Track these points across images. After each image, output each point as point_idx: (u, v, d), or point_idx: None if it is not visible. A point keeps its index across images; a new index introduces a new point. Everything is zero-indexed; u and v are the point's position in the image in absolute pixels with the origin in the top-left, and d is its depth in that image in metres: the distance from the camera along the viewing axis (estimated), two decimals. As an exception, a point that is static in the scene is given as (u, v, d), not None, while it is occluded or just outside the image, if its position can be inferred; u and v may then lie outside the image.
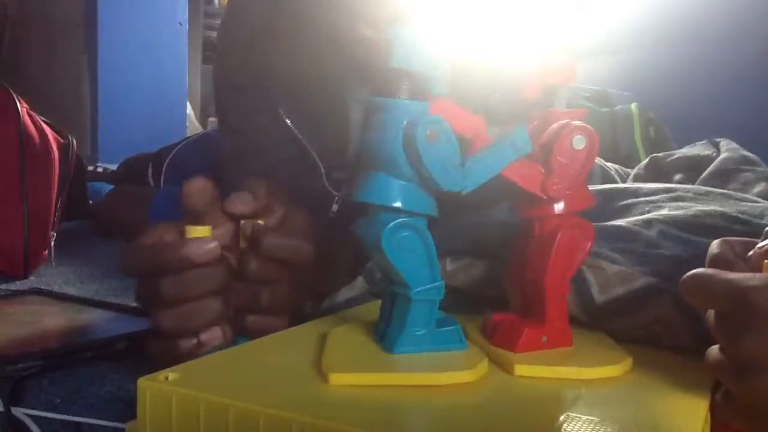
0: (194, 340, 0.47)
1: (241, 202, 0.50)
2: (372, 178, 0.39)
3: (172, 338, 0.47)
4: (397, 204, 0.38)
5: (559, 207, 0.42)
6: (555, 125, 0.42)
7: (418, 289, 0.39)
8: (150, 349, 0.49)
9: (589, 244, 0.43)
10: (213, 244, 0.47)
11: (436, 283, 0.40)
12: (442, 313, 0.42)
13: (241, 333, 0.49)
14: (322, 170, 0.69)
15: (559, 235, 0.42)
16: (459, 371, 0.37)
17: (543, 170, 0.42)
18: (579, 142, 0.41)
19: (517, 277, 0.44)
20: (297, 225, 0.52)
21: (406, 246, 0.39)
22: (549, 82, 0.43)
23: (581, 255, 0.43)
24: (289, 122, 0.70)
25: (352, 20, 0.54)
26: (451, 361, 0.38)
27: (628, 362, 0.40)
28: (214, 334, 0.47)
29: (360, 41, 0.56)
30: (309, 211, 0.54)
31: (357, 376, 0.36)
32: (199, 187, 0.49)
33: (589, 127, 0.42)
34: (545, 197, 0.42)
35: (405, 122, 0.38)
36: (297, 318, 0.51)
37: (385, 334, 0.41)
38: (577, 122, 0.42)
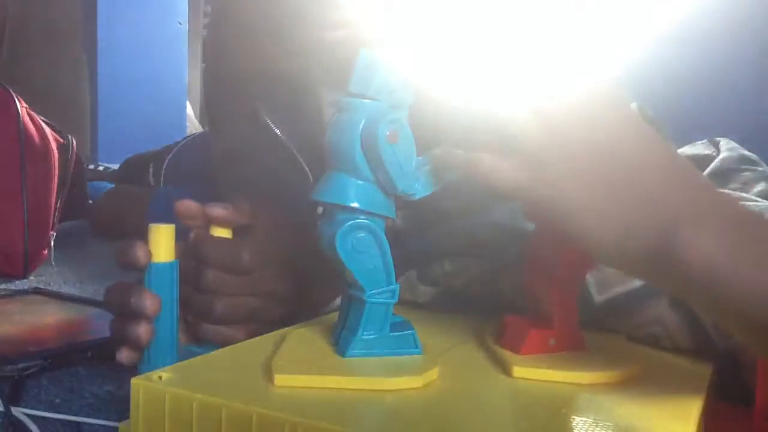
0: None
1: (221, 208, 0.50)
2: (330, 178, 0.39)
3: None
4: (354, 204, 0.38)
5: None
6: None
7: (373, 291, 0.39)
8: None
9: None
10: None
11: (391, 287, 0.39)
12: (401, 317, 0.41)
13: (197, 342, 0.50)
14: (310, 176, 0.69)
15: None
16: (405, 377, 0.36)
17: None
18: None
19: (529, 279, 0.44)
20: (272, 245, 0.52)
21: (361, 248, 0.38)
22: None
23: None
24: (274, 127, 0.70)
25: (309, 24, 0.54)
26: (400, 367, 0.38)
27: (635, 368, 0.40)
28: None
29: (320, 44, 0.56)
30: (292, 224, 0.54)
31: (303, 378, 0.35)
32: (189, 212, 0.49)
33: None
34: None
35: (364, 121, 0.37)
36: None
37: (339, 336, 0.40)
38: None
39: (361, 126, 0.37)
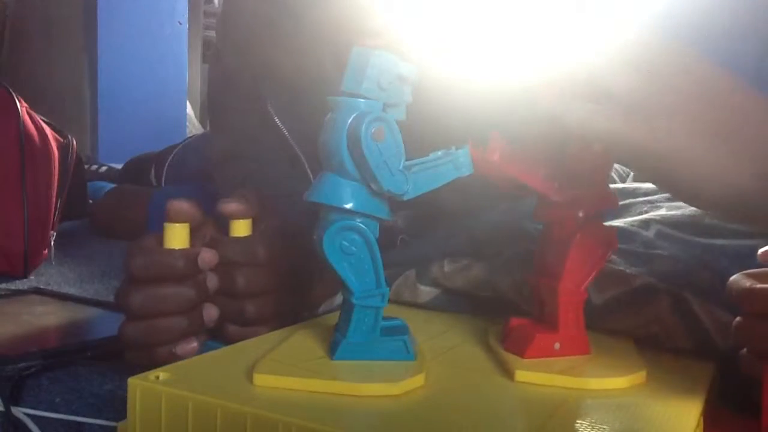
0: (168, 350, 0.47)
1: (236, 203, 0.51)
2: (323, 179, 0.38)
3: (142, 348, 0.48)
4: (346, 205, 0.37)
5: (576, 209, 0.41)
6: None
7: (361, 295, 0.38)
8: (127, 357, 0.49)
9: (610, 249, 0.41)
10: (181, 262, 0.47)
11: (381, 290, 0.38)
12: (399, 320, 0.41)
13: (220, 340, 0.50)
14: (311, 176, 0.69)
15: (575, 239, 0.40)
16: (382, 383, 0.35)
17: (560, 171, 0.40)
18: None
19: (535, 281, 0.44)
20: (275, 235, 0.52)
21: (349, 250, 0.38)
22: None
23: (601, 260, 0.42)
24: (279, 124, 0.70)
25: (346, 27, 0.54)
26: (383, 373, 0.37)
27: (641, 375, 0.39)
28: (189, 347, 0.48)
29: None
30: (292, 218, 0.54)
31: (280, 379, 0.35)
32: (179, 209, 0.49)
33: None
34: (560, 199, 0.41)
35: (351, 119, 0.37)
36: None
37: (333, 339, 0.40)
38: None
39: (347, 124, 0.37)
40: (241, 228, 0.51)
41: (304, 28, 0.66)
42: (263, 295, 0.51)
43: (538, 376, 0.38)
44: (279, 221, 0.54)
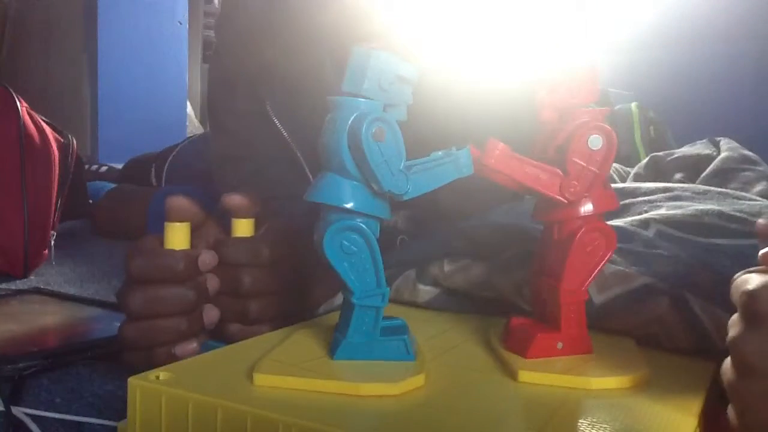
0: (168, 351, 0.47)
1: (239, 196, 0.51)
2: (323, 178, 0.38)
3: (142, 349, 0.48)
4: (346, 205, 0.37)
5: (577, 210, 0.41)
6: (571, 126, 0.41)
7: (361, 294, 0.38)
8: (126, 358, 0.49)
9: (611, 249, 0.41)
10: (182, 264, 0.47)
11: (381, 290, 0.39)
12: (400, 320, 0.41)
13: (221, 339, 0.50)
14: (310, 176, 0.69)
15: (576, 239, 0.40)
16: (383, 383, 0.35)
17: (560, 173, 0.40)
18: (595, 142, 0.40)
19: (536, 281, 0.44)
20: (278, 236, 0.52)
21: (350, 249, 0.38)
22: (569, 103, 0.41)
23: (601, 260, 0.42)
24: (279, 125, 0.70)
25: (345, 30, 0.54)
26: (384, 372, 0.37)
27: (643, 374, 0.39)
28: (188, 348, 0.48)
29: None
30: (291, 219, 0.54)
31: (280, 379, 0.35)
32: (180, 207, 0.49)
33: (606, 126, 0.40)
34: (563, 200, 0.41)
35: (351, 120, 0.37)
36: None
37: (333, 338, 0.40)
38: (593, 122, 0.40)
39: (348, 124, 0.37)
40: (243, 228, 0.51)
41: (303, 30, 0.67)
42: (267, 295, 0.51)
43: (540, 376, 0.38)
44: (281, 222, 0.54)
